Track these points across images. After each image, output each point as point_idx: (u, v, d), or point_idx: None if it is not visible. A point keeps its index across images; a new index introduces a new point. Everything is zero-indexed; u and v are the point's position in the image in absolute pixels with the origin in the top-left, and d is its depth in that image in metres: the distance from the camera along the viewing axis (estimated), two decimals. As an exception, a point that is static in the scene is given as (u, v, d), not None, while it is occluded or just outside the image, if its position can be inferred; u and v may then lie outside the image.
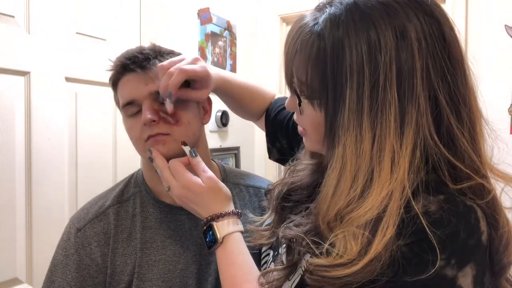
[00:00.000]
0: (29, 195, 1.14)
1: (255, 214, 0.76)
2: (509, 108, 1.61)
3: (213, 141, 1.93)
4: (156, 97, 0.73)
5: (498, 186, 0.52)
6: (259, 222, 0.72)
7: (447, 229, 0.46)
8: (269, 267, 0.66)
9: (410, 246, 0.46)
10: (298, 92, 0.56)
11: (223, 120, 1.92)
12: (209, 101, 0.84)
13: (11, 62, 1.10)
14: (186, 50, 1.63)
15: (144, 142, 0.74)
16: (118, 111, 0.84)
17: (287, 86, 0.58)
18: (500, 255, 0.50)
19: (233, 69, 2.06)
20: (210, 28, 1.87)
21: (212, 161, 0.89)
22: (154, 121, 0.71)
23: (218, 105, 1.07)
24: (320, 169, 0.64)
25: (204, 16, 1.82)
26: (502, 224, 0.50)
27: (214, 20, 1.89)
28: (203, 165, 0.71)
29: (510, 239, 0.51)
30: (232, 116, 1.83)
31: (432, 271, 0.45)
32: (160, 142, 0.73)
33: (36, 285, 1.14)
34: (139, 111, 0.74)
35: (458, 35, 0.52)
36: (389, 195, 0.47)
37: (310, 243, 0.52)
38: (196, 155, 0.72)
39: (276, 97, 0.95)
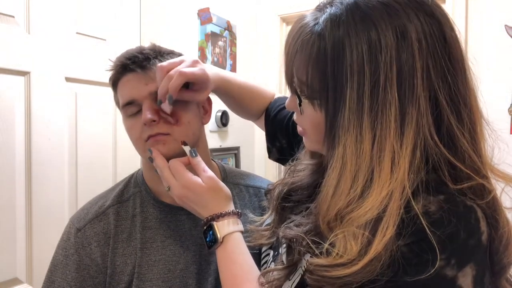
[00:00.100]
0: (29, 195, 1.14)
1: (255, 214, 0.76)
2: (509, 108, 1.61)
3: (213, 141, 1.93)
4: (156, 97, 0.73)
5: (498, 186, 0.52)
6: (259, 222, 0.72)
7: (447, 229, 0.46)
8: (269, 267, 0.66)
9: (410, 246, 0.46)
10: (299, 92, 0.56)
11: (223, 120, 1.92)
12: (209, 101, 0.84)
13: (11, 62, 1.10)
14: (186, 50, 1.64)
15: (144, 142, 0.74)
16: (118, 111, 0.84)
17: (287, 86, 0.58)
18: (500, 255, 0.50)
19: (233, 69, 2.06)
20: (210, 28, 1.87)
21: (212, 161, 0.89)
22: (154, 121, 0.71)
23: (218, 105, 1.07)
24: (320, 169, 0.64)
25: (204, 16, 1.82)
26: (502, 224, 0.50)
27: (214, 20, 1.89)
28: (203, 165, 0.71)
29: (510, 239, 0.51)
30: (232, 116, 1.83)
31: (432, 271, 0.45)
32: (160, 142, 0.73)
33: (36, 285, 1.14)
34: (139, 111, 0.74)
35: (458, 35, 0.52)
36: (389, 195, 0.47)
37: (310, 243, 0.52)
38: (196, 155, 0.72)
39: (276, 96, 0.95)
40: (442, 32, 0.50)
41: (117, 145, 1.41)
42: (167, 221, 0.80)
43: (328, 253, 0.49)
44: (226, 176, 0.90)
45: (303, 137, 0.63)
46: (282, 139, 0.88)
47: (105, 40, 1.37)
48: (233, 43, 2.05)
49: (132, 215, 0.79)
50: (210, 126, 1.90)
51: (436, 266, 0.45)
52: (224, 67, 1.98)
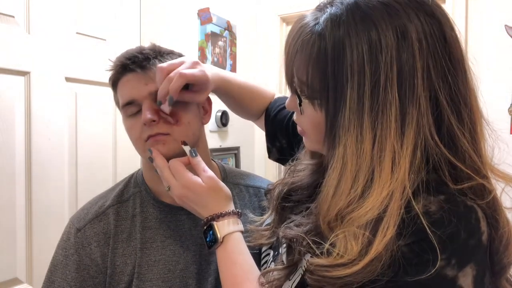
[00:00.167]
0: (29, 195, 1.14)
1: (255, 214, 0.76)
2: (509, 108, 1.61)
3: (213, 141, 1.93)
4: (156, 97, 0.73)
5: (498, 186, 0.52)
6: (259, 222, 0.72)
7: (447, 229, 0.46)
8: (269, 267, 0.66)
9: (410, 246, 0.47)
10: (299, 92, 0.56)
11: (223, 120, 1.92)
12: (209, 101, 0.84)
13: (11, 62, 1.10)
14: (186, 50, 1.64)
15: (144, 142, 0.74)
16: (118, 111, 0.84)
17: (287, 86, 0.58)
18: (500, 255, 0.50)
19: (233, 69, 2.06)
20: (210, 28, 1.87)
21: (212, 161, 0.89)
22: (154, 121, 0.71)
23: (218, 105, 1.07)
24: (320, 169, 0.64)
25: (204, 16, 1.82)
26: (503, 224, 0.50)
27: (214, 20, 1.89)
28: (203, 164, 0.71)
29: (510, 239, 0.51)
30: (232, 116, 1.83)
31: (433, 271, 0.45)
32: (160, 142, 0.73)
33: (36, 285, 1.14)
34: (139, 111, 0.74)
35: (458, 35, 0.52)
36: (389, 195, 0.47)
37: (310, 243, 0.52)
38: (196, 155, 0.72)
39: (276, 96, 0.95)
40: (442, 32, 0.50)
41: (117, 145, 1.41)
42: (167, 221, 0.80)
43: (328, 253, 0.49)
44: (226, 176, 0.90)
45: (303, 137, 0.63)
46: (282, 139, 0.88)
47: (105, 40, 1.37)
48: (233, 43, 2.05)
49: (132, 215, 0.79)
50: (210, 126, 1.90)
51: (437, 266, 0.45)
52: (224, 67, 1.98)
